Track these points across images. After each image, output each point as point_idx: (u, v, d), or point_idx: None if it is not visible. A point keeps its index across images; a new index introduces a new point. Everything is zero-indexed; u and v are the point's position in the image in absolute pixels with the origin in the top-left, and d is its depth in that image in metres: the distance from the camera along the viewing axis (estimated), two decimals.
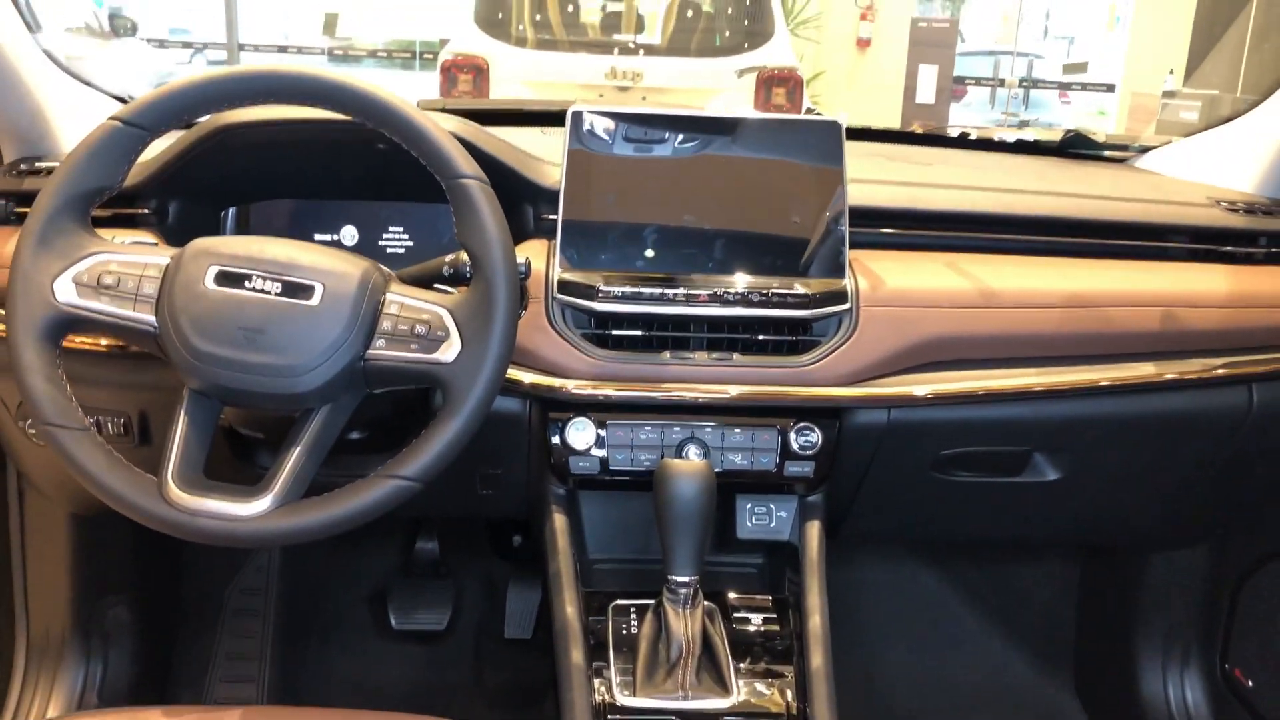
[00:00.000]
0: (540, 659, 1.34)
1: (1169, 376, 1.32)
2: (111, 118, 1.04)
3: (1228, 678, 1.66)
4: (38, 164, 1.37)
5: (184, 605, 1.89)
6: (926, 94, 8.28)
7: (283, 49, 11.09)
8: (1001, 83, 10.44)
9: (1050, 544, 1.90)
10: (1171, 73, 7.90)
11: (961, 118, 10.54)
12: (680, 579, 1.18)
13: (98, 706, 1.67)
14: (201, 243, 1.04)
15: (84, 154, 1.03)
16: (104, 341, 1.25)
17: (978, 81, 11.18)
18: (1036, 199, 1.45)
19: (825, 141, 1.29)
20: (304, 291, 1.01)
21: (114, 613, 1.70)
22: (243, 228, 1.41)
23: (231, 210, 1.41)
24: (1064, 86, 12.39)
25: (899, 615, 1.98)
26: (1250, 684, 1.60)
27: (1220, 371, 1.34)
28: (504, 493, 1.40)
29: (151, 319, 1.02)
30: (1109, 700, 1.85)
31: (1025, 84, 10.81)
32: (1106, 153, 1.79)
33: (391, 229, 1.42)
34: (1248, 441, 1.41)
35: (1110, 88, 11.31)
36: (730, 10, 5.83)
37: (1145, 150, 1.72)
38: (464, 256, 1.09)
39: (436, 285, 1.12)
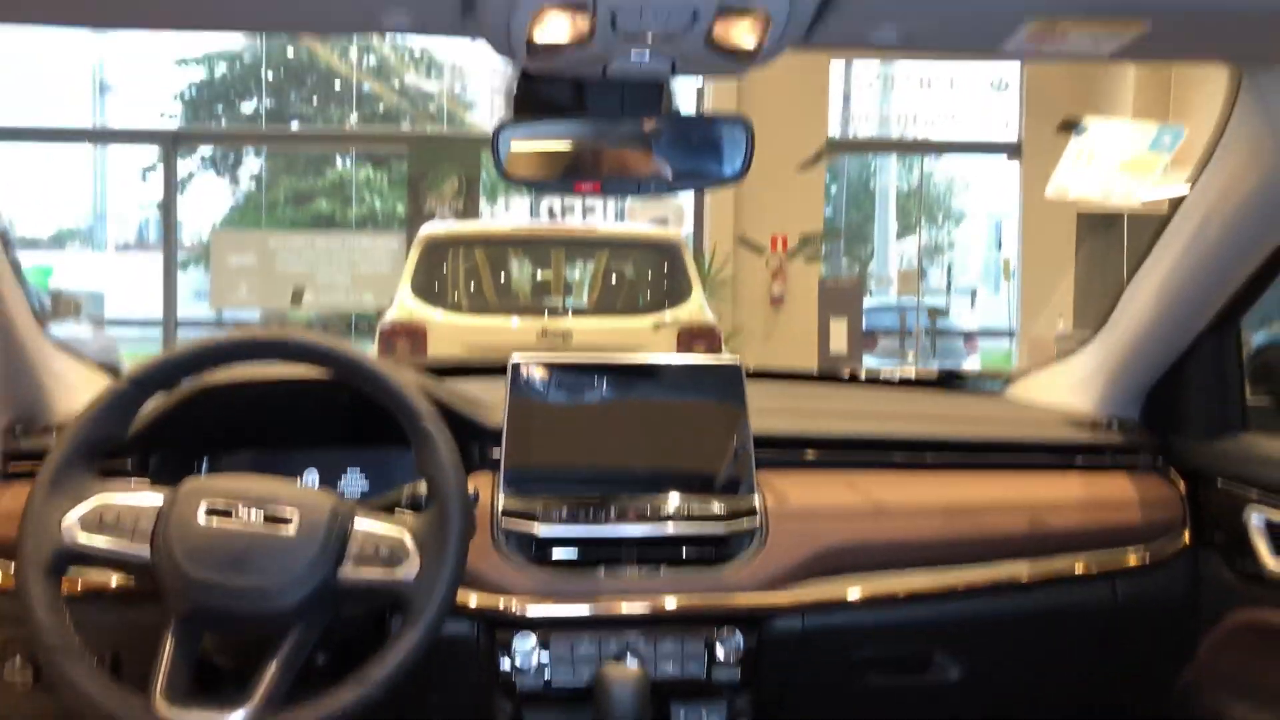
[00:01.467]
0: None
1: (1038, 574, 1.51)
2: (122, 379, 1.22)
3: None
4: (38, 425, 1.52)
5: None
6: (839, 346, 8.79)
7: (218, 323, 11.44)
8: (909, 333, 11.13)
9: None
10: (1062, 318, 8.56)
11: (875, 366, 11.14)
12: None
13: None
14: (194, 482, 1.20)
15: (96, 410, 1.21)
16: (80, 586, 1.37)
17: (886, 333, 11.89)
18: (919, 424, 1.68)
19: (729, 380, 1.51)
20: (282, 521, 1.17)
21: None
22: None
23: (205, 460, 1.57)
24: (968, 335, 13.21)
25: None
26: None
27: (1082, 568, 1.53)
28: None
29: (145, 552, 1.16)
30: None
31: (931, 333, 11.54)
32: (976, 384, 2.06)
33: (350, 471, 1.59)
34: (1120, 635, 1.58)
35: (1010, 335, 12.10)
36: (650, 273, 6.28)
37: (1009, 382, 1.99)
38: (422, 486, 1.26)
39: (397, 511, 1.29)
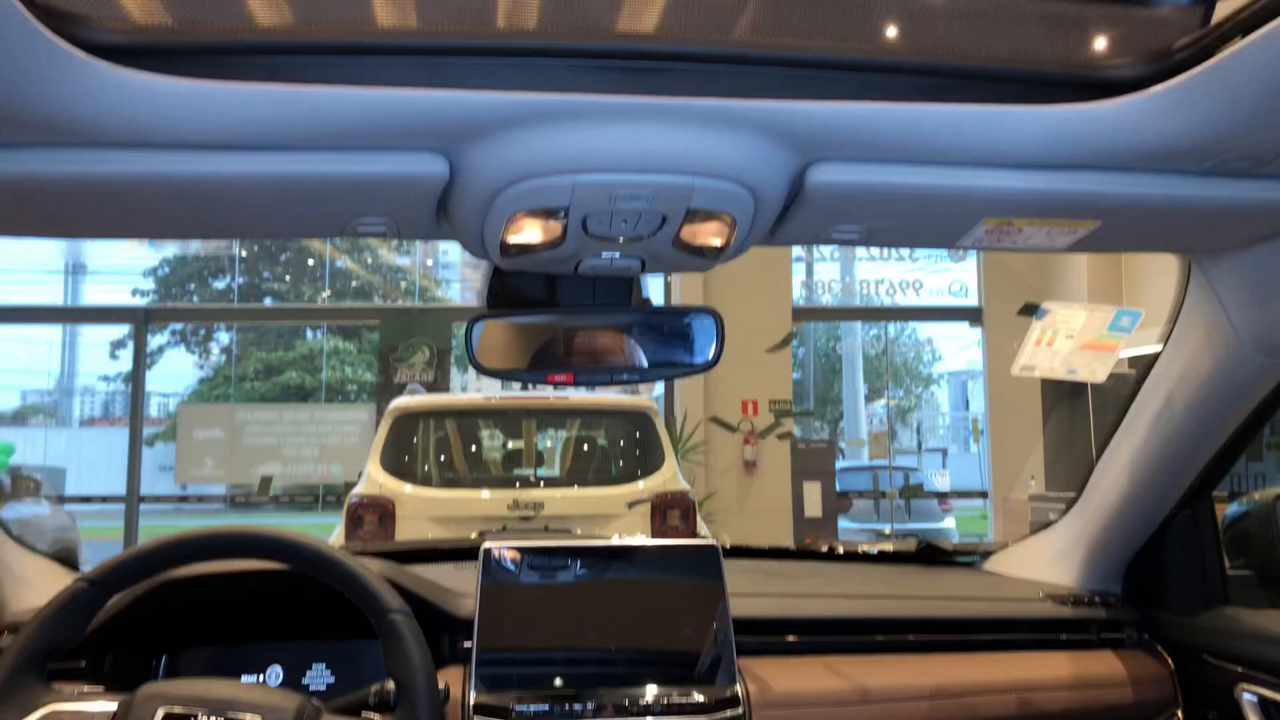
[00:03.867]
0: None
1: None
2: (81, 579, 1.18)
3: None
4: None
5: None
6: (814, 508, 8.76)
7: (182, 499, 11.25)
8: (883, 495, 11.12)
9: None
10: (1033, 478, 8.60)
11: (850, 528, 11.08)
12: None
13: None
14: (151, 687, 1.15)
15: (52, 613, 1.16)
16: None
17: (860, 494, 11.87)
18: (899, 602, 1.65)
19: (706, 562, 1.49)
20: None
21: None
22: (173, 674, 1.51)
23: (163, 659, 1.51)
24: (941, 496, 13.21)
25: None
26: None
27: None
28: None
29: None
30: None
31: (905, 494, 11.52)
32: (955, 559, 2.04)
33: (315, 666, 1.53)
34: None
35: (984, 494, 12.11)
36: (622, 442, 6.28)
37: (987, 555, 1.97)
38: (389, 685, 1.21)
39: (364, 713, 1.23)
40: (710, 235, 1.04)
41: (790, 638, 1.55)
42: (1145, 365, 1.50)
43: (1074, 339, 1.40)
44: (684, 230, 1.03)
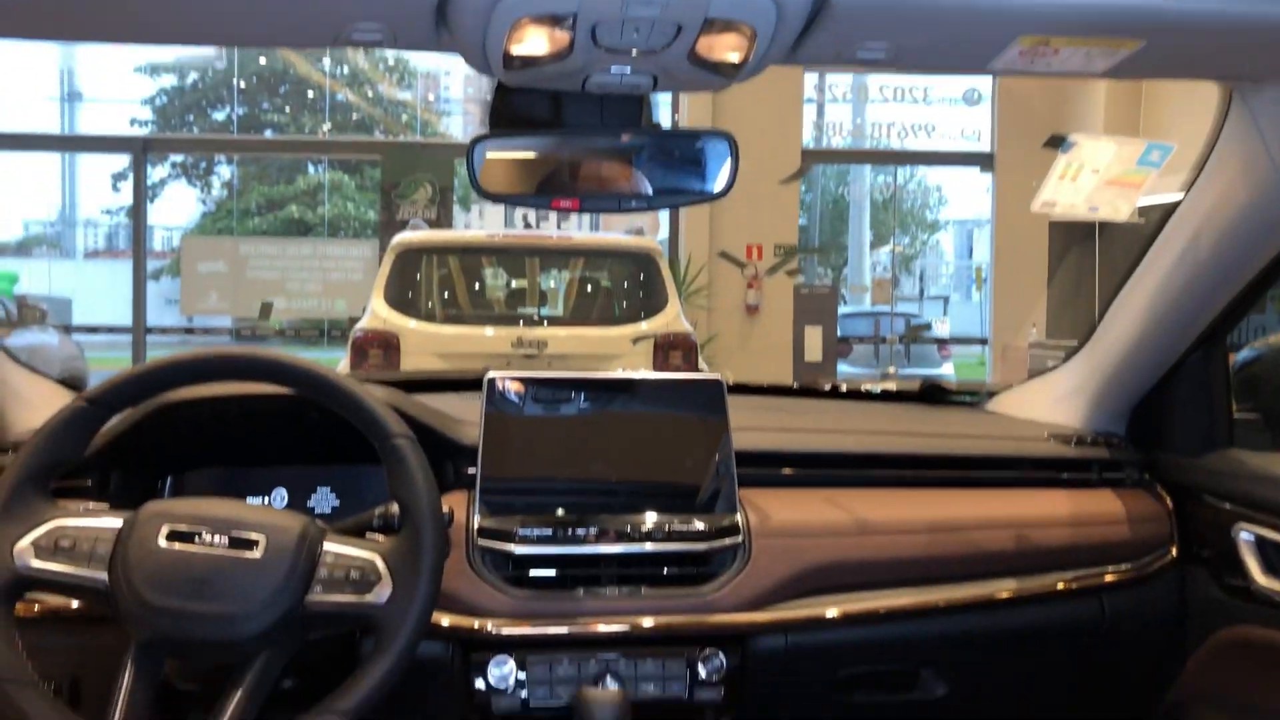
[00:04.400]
0: None
1: (1026, 591, 1.49)
2: (80, 398, 1.17)
3: None
4: None
5: None
6: (814, 353, 8.80)
7: (188, 331, 11.31)
8: (883, 340, 11.15)
9: None
10: (1034, 326, 8.61)
11: (849, 373, 11.16)
12: None
13: None
14: (155, 505, 1.15)
15: (52, 431, 1.16)
16: (38, 608, 1.32)
17: (861, 340, 11.92)
18: (901, 439, 1.65)
19: (710, 396, 1.48)
20: (248, 545, 1.12)
21: None
22: (179, 495, 1.52)
23: (169, 479, 1.52)
24: (942, 342, 13.27)
25: None
26: None
27: (1069, 584, 1.51)
28: None
29: (103, 577, 1.11)
30: None
31: (905, 340, 11.57)
32: (959, 398, 2.04)
33: (320, 489, 1.54)
34: (1107, 651, 1.56)
35: (983, 342, 12.15)
36: (626, 284, 6.26)
37: (991, 395, 1.97)
38: (394, 507, 1.22)
39: (368, 534, 1.24)
40: (728, 49, 0.98)
41: (792, 471, 1.55)
42: (1162, 214, 1.46)
43: (1099, 174, 1.35)
44: (700, 43, 0.97)
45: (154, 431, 1.40)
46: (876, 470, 1.58)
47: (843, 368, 10.69)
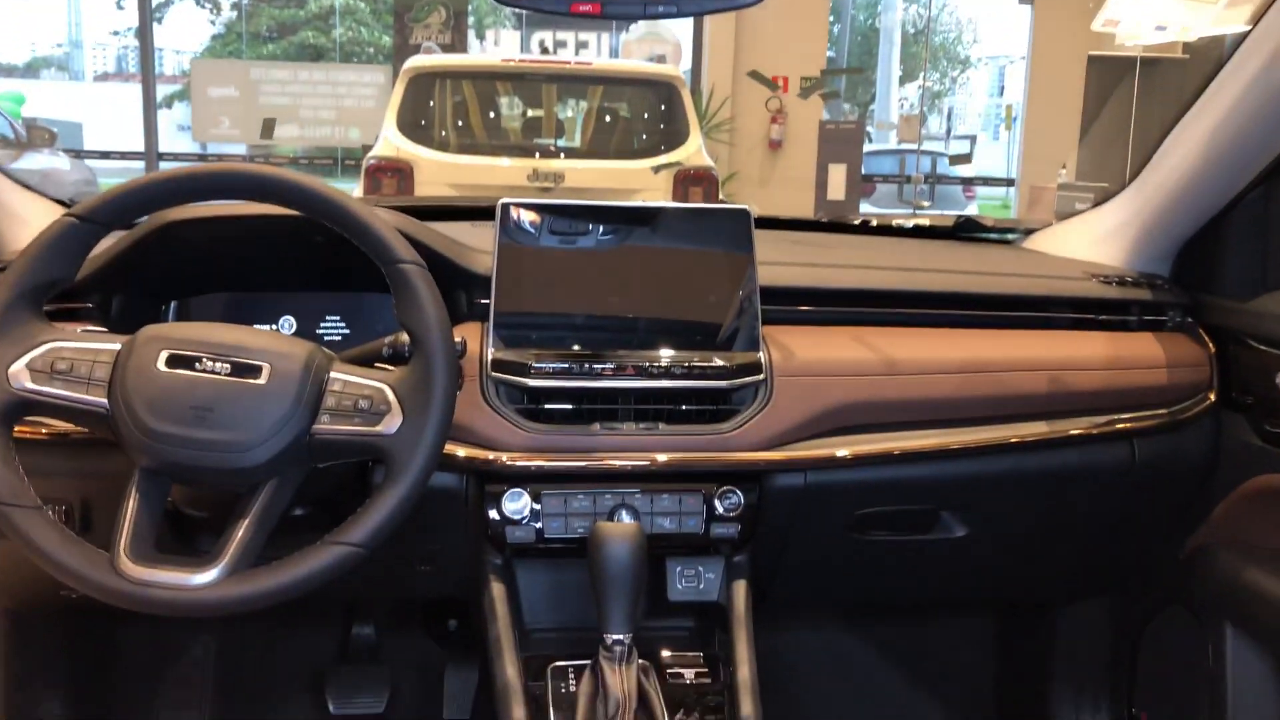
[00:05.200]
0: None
1: (1056, 434, 1.44)
2: (68, 214, 1.10)
3: None
4: None
5: (118, 699, 1.88)
6: (837, 191, 8.63)
7: (201, 157, 11.15)
8: (908, 179, 10.91)
9: (963, 601, 1.99)
10: (1064, 167, 8.37)
11: (872, 211, 10.97)
12: (616, 637, 1.24)
13: None
14: (153, 329, 1.10)
15: (40, 248, 1.09)
16: (44, 430, 1.28)
17: (885, 179, 11.67)
18: (932, 276, 1.57)
19: (735, 228, 1.40)
20: (252, 371, 1.07)
21: (45, 708, 1.69)
22: (184, 321, 1.47)
23: (173, 304, 1.47)
24: (967, 182, 12.98)
25: (826, 677, 2.05)
26: None
27: (1102, 429, 1.46)
28: (442, 569, 1.45)
29: (104, 401, 1.07)
30: None
31: (930, 180, 11.33)
32: (994, 235, 1.95)
33: (328, 318, 1.49)
34: (1134, 495, 1.53)
35: (1010, 182, 11.88)
36: (646, 115, 6.07)
37: (1029, 232, 1.88)
38: (403, 337, 1.17)
39: (377, 364, 1.19)
40: None
41: (817, 308, 1.49)
42: (1227, 43, 1.33)
43: None
44: None
45: (155, 253, 1.34)
46: (906, 308, 1.51)
47: (866, 206, 10.51)
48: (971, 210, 12.02)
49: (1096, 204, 1.73)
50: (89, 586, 1.04)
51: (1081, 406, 1.47)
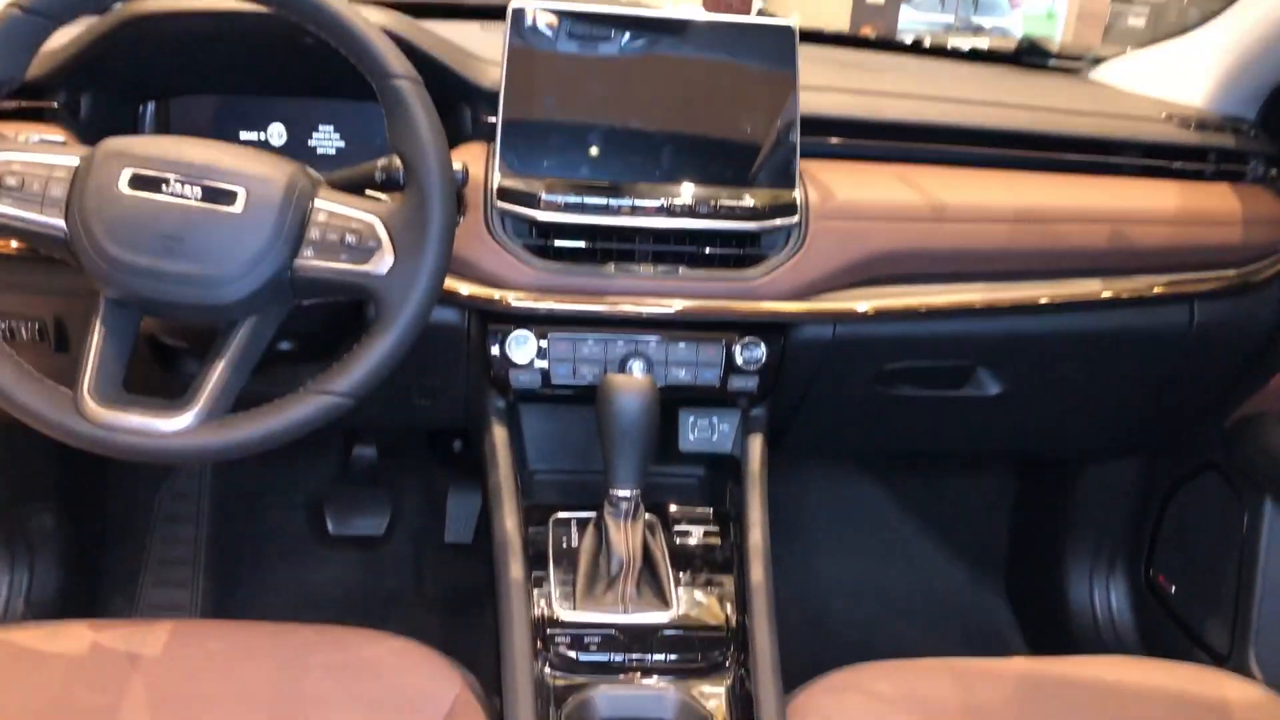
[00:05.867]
0: (481, 564, 1.34)
1: (1112, 294, 1.32)
2: (10, 4, 0.96)
3: (1151, 584, 1.71)
4: None
5: (112, 511, 1.85)
6: None
7: None
8: None
9: (989, 457, 1.92)
10: None
11: (911, 18, 10.42)
12: (622, 493, 1.17)
13: (24, 614, 1.63)
14: (114, 143, 0.97)
15: None
16: (14, 244, 1.18)
17: None
18: (990, 110, 1.41)
19: (778, 46, 1.24)
20: (226, 197, 0.95)
21: (37, 520, 1.65)
22: (163, 124, 1.34)
23: (150, 105, 1.33)
24: None
25: (837, 525, 2.01)
26: (1172, 589, 1.65)
27: (1163, 289, 1.34)
28: (442, 404, 1.37)
29: (60, 224, 0.96)
30: (1037, 605, 1.90)
31: None
32: (1059, 63, 1.76)
33: (322, 128, 1.36)
34: (1186, 359, 1.42)
35: None
36: None
37: (1098, 61, 1.69)
38: (398, 161, 1.04)
39: (369, 191, 1.07)
40: None
41: (862, 141, 1.34)
42: None
43: None
44: None
45: (125, 49, 1.19)
46: (959, 146, 1.36)
47: (906, 11, 9.96)
48: (1014, 20, 11.41)
49: (1151, 22, 1.54)
50: (49, 428, 0.95)
51: (1142, 263, 1.35)
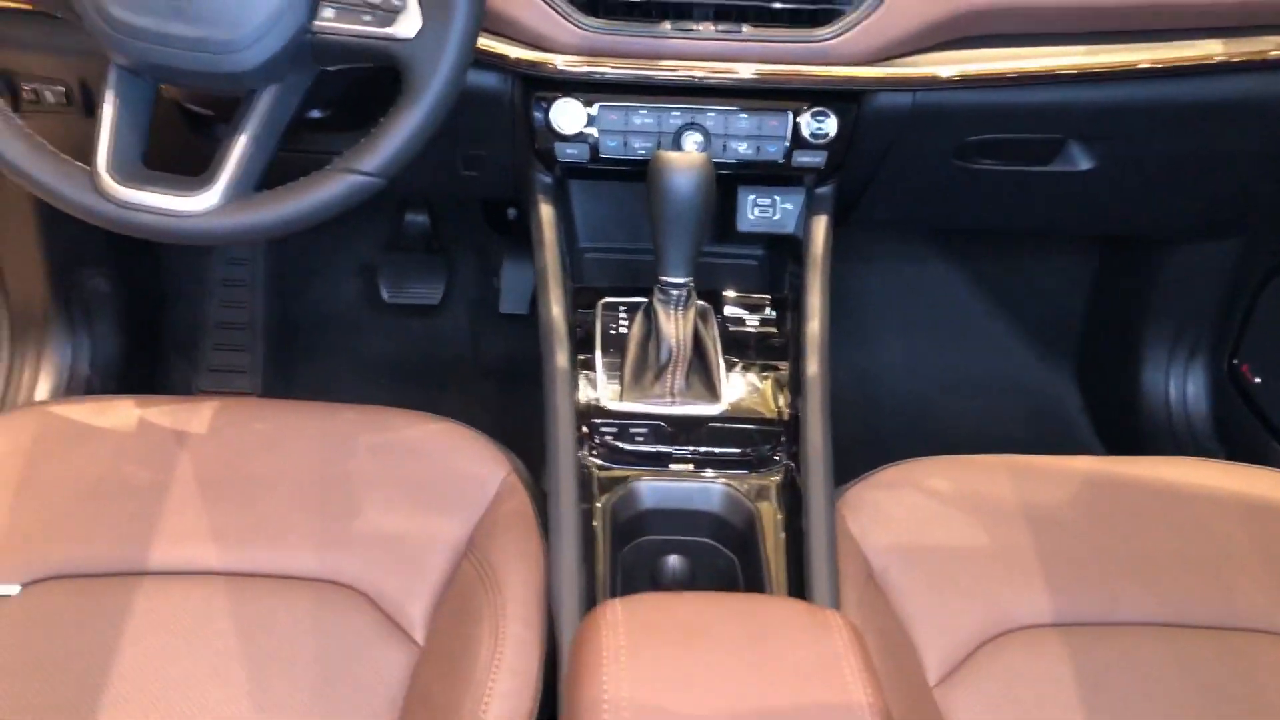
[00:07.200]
0: (535, 338, 1.31)
1: (1233, 56, 1.17)
2: None
3: (1234, 373, 1.62)
4: None
5: (167, 276, 1.84)
6: None
7: None
8: None
9: (1073, 235, 1.81)
10: None
11: None
12: (673, 280, 1.10)
13: (89, 378, 1.66)
14: None
15: None
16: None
17: None
18: None
19: None
20: None
21: (93, 284, 1.65)
22: None
23: None
24: None
25: (902, 302, 1.93)
26: (1257, 380, 1.57)
27: None
28: (489, 175, 1.30)
29: None
30: (1108, 391, 1.84)
31: None
32: None
33: None
34: None
35: None
36: None
37: None
38: None
39: None
40: None
41: None
42: None
43: None
44: None
45: None
46: None
47: None
48: None
49: None
50: (67, 206, 0.91)
51: (1266, 21, 1.18)
